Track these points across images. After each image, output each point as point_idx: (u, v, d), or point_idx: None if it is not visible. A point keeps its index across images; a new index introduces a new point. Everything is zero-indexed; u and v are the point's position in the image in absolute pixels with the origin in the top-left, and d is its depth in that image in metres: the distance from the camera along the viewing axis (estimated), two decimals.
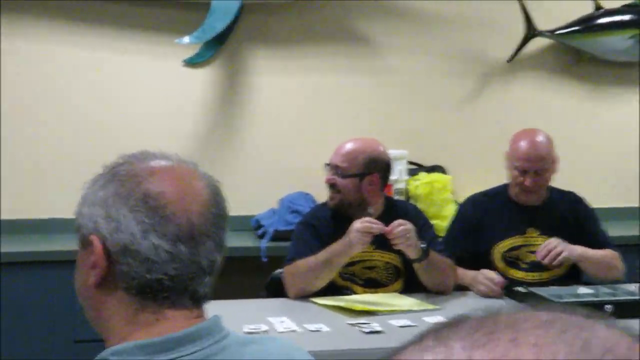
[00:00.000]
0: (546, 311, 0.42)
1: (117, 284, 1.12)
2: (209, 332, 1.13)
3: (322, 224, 3.00)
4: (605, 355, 0.38)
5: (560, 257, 2.96)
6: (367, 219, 2.79)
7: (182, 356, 1.09)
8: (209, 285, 1.15)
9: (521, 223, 3.13)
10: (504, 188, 3.21)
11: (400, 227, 2.77)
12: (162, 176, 1.13)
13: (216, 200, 1.16)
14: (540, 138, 3.11)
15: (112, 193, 1.12)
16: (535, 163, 3.04)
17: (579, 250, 3.02)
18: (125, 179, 1.12)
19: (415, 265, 2.90)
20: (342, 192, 2.97)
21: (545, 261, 2.97)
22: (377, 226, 2.77)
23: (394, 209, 3.03)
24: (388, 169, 3.08)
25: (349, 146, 3.01)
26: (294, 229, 3.17)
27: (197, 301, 1.14)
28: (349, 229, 2.78)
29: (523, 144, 3.08)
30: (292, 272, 2.89)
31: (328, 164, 3.02)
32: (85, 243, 1.13)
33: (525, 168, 3.05)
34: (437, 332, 0.42)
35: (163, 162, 1.17)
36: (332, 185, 3.00)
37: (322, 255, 2.82)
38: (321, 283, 2.86)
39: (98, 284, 1.12)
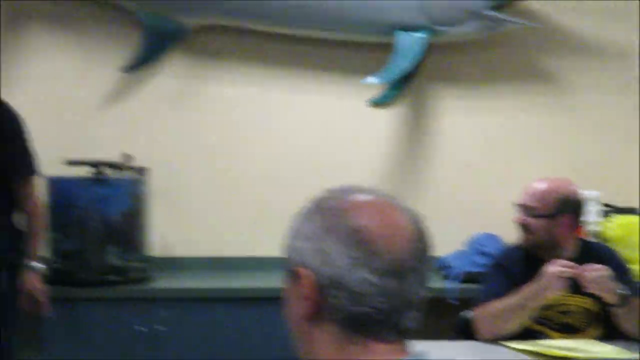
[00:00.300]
0: None
1: (325, 316, 1.13)
2: None
3: (514, 265, 2.94)
4: None
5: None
6: (561, 261, 2.71)
7: None
8: (415, 320, 1.15)
9: None
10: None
11: (594, 272, 2.67)
12: (368, 210, 1.14)
13: (420, 234, 1.16)
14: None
15: (319, 226, 1.14)
16: None
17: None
18: (331, 212, 1.14)
19: (614, 311, 2.77)
20: (533, 233, 2.91)
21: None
22: (570, 270, 2.67)
23: (589, 251, 2.94)
24: (580, 209, 2.99)
25: (540, 186, 2.95)
26: (484, 270, 3.13)
27: (401, 335, 1.15)
28: (542, 271, 2.70)
29: None
30: (483, 315, 2.85)
31: (519, 204, 2.96)
32: (295, 276, 1.16)
33: None
34: None
35: (367, 196, 1.18)
36: (524, 226, 2.94)
37: (515, 298, 2.76)
38: (513, 327, 2.79)
39: (308, 317, 1.15)
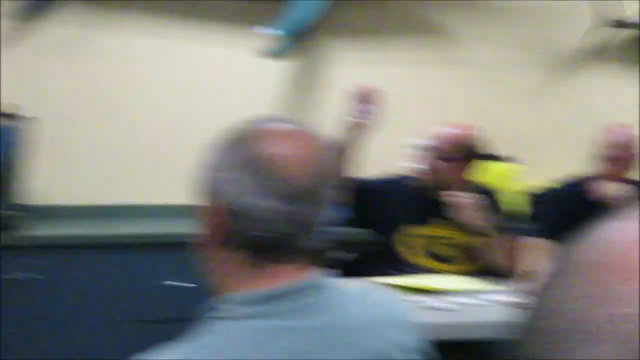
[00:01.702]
0: None
1: (234, 243, 1.17)
2: (317, 284, 1.18)
3: (396, 193, 3.06)
4: None
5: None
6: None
7: (286, 306, 1.14)
8: (322, 240, 1.19)
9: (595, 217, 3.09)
10: (580, 183, 3.20)
11: (463, 199, 2.82)
12: (272, 138, 1.18)
13: (321, 160, 1.19)
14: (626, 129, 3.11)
15: (229, 156, 1.17)
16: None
17: None
18: (240, 143, 1.18)
19: (485, 242, 2.92)
20: (436, 174, 3.04)
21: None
22: None
23: (478, 193, 3.08)
24: (481, 155, 3.14)
25: (449, 131, 3.08)
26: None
27: (305, 256, 1.19)
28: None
29: (615, 134, 3.10)
30: None
31: (428, 146, 3.04)
32: (208, 204, 1.19)
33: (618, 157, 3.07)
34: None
35: (274, 125, 1.21)
36: (428, 168, 3.05)
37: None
38: None
39: (219, 243, 1.18)
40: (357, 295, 1.25)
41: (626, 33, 4.25)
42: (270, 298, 1.14)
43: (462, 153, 3.04)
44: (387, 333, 1.22)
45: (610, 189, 2.97)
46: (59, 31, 3.87)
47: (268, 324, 1.12)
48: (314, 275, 1.19)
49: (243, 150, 1.16)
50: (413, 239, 3.04)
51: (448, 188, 3.02)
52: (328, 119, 4.06)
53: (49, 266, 3.32)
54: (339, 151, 2.94)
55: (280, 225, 1.15)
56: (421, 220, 3.07)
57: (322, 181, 1.18)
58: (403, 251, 3.04)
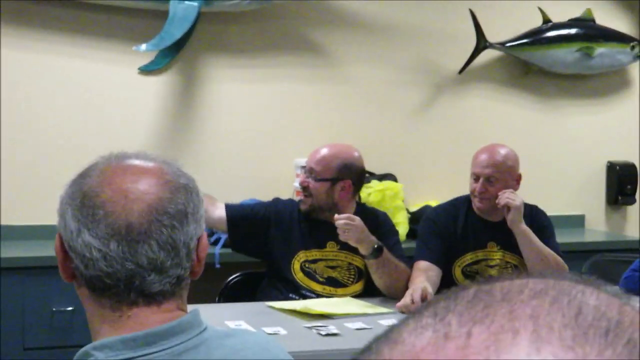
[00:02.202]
0: (538, 278, 0.42)
1: (80, 281, 1.16)
2: (190, 326, 1.16)
3: (280, 216, 3.07)
4: (599, 320, 0.39)
5: (508, 201, 2.96)
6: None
7: (164, 349, 1.12)
8: (165, 282, 1.15)
9: (483, 236, 3.14)
10: (467, 199, 3.20)
11: (343, 220, 2.85)
12: (104, 175, 1.15)
13: (166, 198, 1.15)
14: (499, 149, 3.12)
15: (65, 191, 1.17)
16: (486, 168, 3.05)
17: (524, 226, 3.01)
18: (75, 179, 1.18)
19: (368, 263, 2.96)
20: (313, 195, 3.03)
21: (498, 201, 2.99)
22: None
23: (365, 215, 3.09)
24: (362, 175, 3.17)
25: (324, 151, 3.08)
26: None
27: (154, 298, 1.15)
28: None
29: (481, 153, 3.11)
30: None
31: (303, 167, 3.08)
32: (57, 238, 1.19)
33: (477, 173, 3.07)
34: (435, 307, 0.42)
35: (115, 162, 1.19)
36: (305, 188, 3.06)
37: None
38: None
39: (66, 278, 1.18)
40: (234, 335, 1.24)
41: (498, 55, 4.43)
42: (152, 340, 1.12)
43: (334, 173, 3.04)
44: None
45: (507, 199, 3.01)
46: None
47: None
48: (190, 314, 1.18)
49: (78, 186, 1.16)
50: (306, 263, 3.05)
51: (332, 209, 3.04)
52: (206, 134, 4.06)
53: None
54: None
55: (101, 265, 1.12)
56: (313, 244, 3.07)
57: (163, 221, 1.14)
58: (296, 276, 3.04)
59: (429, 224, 3.22)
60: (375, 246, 2.90)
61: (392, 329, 0.43)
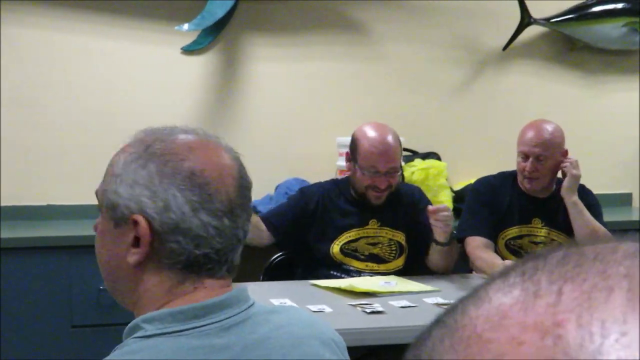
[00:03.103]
0: (630, 242, 0.41)
1: (160, 261, 1.14)
2: (237, 300, 1.17)
3: (318, 195, 3.07)
4: None
5: (570, 168, 3.02)
6: None
7: (211, 323, 1.13)
8: (239, 255, 1.20)
9: (527, 212, 3.13)
10: (514, 175, 3.19)
11: (446, 212, 2.83)
12: (198, 152, 1.15)
13: (242, 172, 1.19)
14: (546, 126, 3.09)
15: (155, 172, 1.13)
16: (535, 148, 3.03)
17: (576, 197, 3.04)
18: (166, 158, 1.14)
19: (436, 248, 2.94)
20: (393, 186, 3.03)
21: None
22: None
23: (401, 191, 3.10)
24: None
25: (390, 140, 3.00)
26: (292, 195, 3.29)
27: (230, 271, 1.19)
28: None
29: (528, 131, 3.08)
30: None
31: (377, 172, 2.96)
32: (122, 222, 1.15)
33: (526, 153, 3.05)
34: (522, 267, 0.41)
35: (192, 137, 1.18)
36: (389, 186, 3.01)
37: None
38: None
39: (139, 263, 1.15)
40: (279, 311, 1.25)
41: (542, 31, 4.36)
42: (200, 314, 1.13)
43: (400, 160, 3.06)
44: (315, 352, 1.21)
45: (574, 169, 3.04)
46: None
47: (195, 341, 1.11)
48: (238, 290, 1.19)
49: (172, 165, 1.13)
50: (346, 245, 3.04)
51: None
52: (248, 113, 4.06)
53: None
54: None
55: (214, 242, 1.14)
56: (354, 224, 3.07)
57: (246, 193, 1.18)
58: (336, 258, 3.03)
59: (475, 194, 3.22)
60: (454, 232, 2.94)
61: (477, 288, 0.42)
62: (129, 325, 1.14)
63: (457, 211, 3.76)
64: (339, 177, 3.26)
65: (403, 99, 4.23)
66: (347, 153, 3.09)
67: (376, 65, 4.20)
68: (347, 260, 3.03)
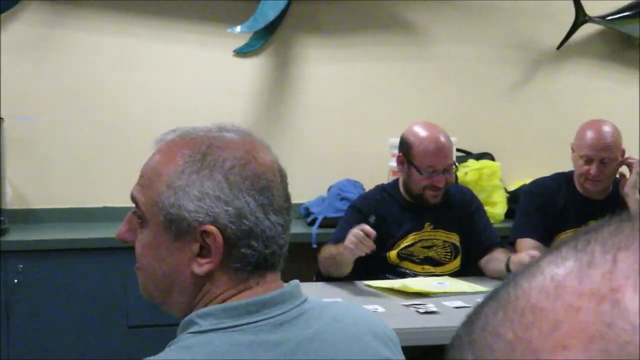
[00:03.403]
0: None
1: (229, 266, 1.14)
2: (290, 296, 1.17)
3: (373, 207, 3.02)
4: None
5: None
6: (364, 227, 2.67)
7: (265, 319, 1.13)
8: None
9: (583, 214, 3.07)
10: (569, 176, 3.15)
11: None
12: (254, 154, 1.15)
13: (282, 169, 1.20)
14: (607, 127, 3.05)
15: (223, 181, 1.12)
16: (601, 151, 3.00)
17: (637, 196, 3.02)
18: (228, 165, 1.13)
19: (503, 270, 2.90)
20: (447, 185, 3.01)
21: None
22: (364, 244, 2.63)
23: (452, 193, 3.07)
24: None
25: (443, 140, 2.97)
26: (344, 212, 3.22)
27: (279, 265, 1.19)
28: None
29: (589, 133, 3.04)
30: (320, 255, 2.95)
31: (435, 171, 2.92)
32: (186, 234, 1.13)
33: (590, 156, 3.01)
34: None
35: (239, 137, 1.18)
36: (445, 185, 2.99)
37: (334, 249, 2.84)
38: (338, 273, 2.88)
39: (208, 272, 1.14)
40: (332, 306, 1.25)
41: (597, 29, 4.28)
42: (254, 309, 1.13)
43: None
44: (370, 346, 1.20)
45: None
46: (27, 30, 3.80)
47: (250, 336, 1.10)
48: (291, 285, 1.19)
49: (234, 172, 1.13)
50: (402, 250, 3.01)
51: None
52: (300, 114, 4.06)
53: (28, 270, 3.29)
54: None
55: (280, 239, 1.15)
56: (410, 229, 3.02)
57: (287, 184, 1.20)
58: (392, 262, 3.00)
59: (529, 196, 3.18)
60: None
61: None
62: (184, 320, 1.15)
63: (511, 213, 3.72)
64: (386, 183, 3.20)
65: (456, 99, 4.20)
66: (398, 156, 3.05)
67: (429, 66, 4.18)
68: (403, 263, 3.00)
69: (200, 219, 1.12)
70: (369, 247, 2.63)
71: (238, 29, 3.83)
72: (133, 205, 1.22)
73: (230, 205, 1.11)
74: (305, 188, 3.85)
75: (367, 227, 2.65)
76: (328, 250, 2.90)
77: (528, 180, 3.54)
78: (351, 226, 2.94)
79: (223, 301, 1.14)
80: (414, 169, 2.95)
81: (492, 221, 3.35)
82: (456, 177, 3.89)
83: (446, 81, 4.19)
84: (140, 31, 3.91)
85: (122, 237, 1.23)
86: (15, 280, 3.27)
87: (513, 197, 3.85)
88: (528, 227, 3.05)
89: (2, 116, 3.58)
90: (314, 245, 3.51)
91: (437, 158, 2.93)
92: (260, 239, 1.13)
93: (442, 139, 2.97)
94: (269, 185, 1.14)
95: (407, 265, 3.00)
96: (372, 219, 2.83)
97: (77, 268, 3.35)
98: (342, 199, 3.69)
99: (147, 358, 1.07)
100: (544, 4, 4.21)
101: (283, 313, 1.14)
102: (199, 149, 1.15)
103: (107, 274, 3.35)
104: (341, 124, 4.10)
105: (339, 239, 2.94)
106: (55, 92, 3.83)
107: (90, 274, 3.36)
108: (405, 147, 3.00)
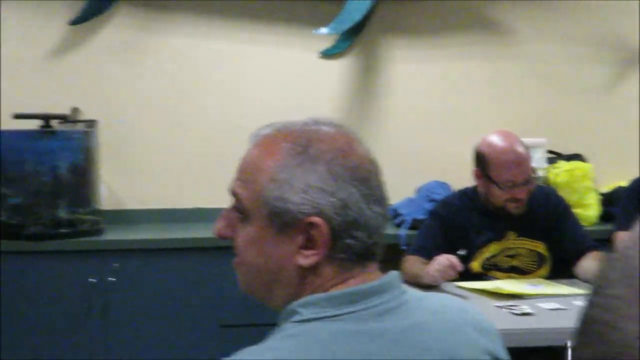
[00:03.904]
0: None
1: (333, 256, 1.14)
2: (391, 286, 1.16)
3: (454, 214, 2.98)
4: None
5: None
6: (450, 258, 2.65)
7: (367, 308, 1.12)
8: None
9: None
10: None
11: None
12: (352, 145, 1.17)
13: (376, 160, 1.21)
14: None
15: (326, 172, 1.13)
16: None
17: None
18: (330, 156, 1.14)
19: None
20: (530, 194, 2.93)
21: None
22: (449, 272, 2.63)
23: (536, 196, 2.99)
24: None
25: (522, 151, 2.89)
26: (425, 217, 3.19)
27: (379, 256, 1.20)
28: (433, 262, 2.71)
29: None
30: (404, 267, 2.89)
31: (520, 182, 2.86)
32: (289, 226, 1.14)
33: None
34: None
35: (335, 130, 1.19)
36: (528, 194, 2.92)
37: (415, 269, 2.80)
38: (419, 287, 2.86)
39: (313, 264, 1.14)
40: (430, 297, 1.24)
41: None
42: (356, 299, 1.12)
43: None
44: (471, 338, 1.19)
45: None
46: (116, 34, 3.90)
47: (352, 326, 1.10)
48: (392, 275, 1.18)
49: (336, 163, 1.14)
50: (485, 261, 2.97)
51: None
52: (387, 115, 4.05)
53: (125, 269, 3.36)
54: None
55: (381, 229, 1.16)
56: (492, 238, 2.97)
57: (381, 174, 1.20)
58: (481, 270, 2.96)
59: (628, 192, 3.11)
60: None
61: None
62: (286, 309, 1.15)
63: (606, 214, 3.64)
64: (467, 187, 3.13)
65: (545, 99, 4.12)
66: (475, 171, 2.98)
67: (516, 66, 4.12)
68: (490, 273, 2.96)
69: (306, 211, 1.12)
70: (453, 276, 2.61)
71: (324, 30, 3.83)
72: (223, 205, 1.24)
73: (334, 196, 1.12)
74: (393, 189, 3.79)
75: (454, 260, 2.62)
76: (411, 267, 2.85)
77: (623, 182, 3.46)
78: (433, 235, 2.92)
79: (326, 291, 1.15)
80: (493, 184, 2.87)
81: (584, 224, 3.28)
82: (547, 178, 3.83)
83: (533, 81, 4.12)
84: (228, 34, 3.97)
85: (221, 234, 1.23)
86: (112, 279, 3.35)
87: (607, 199, 3.76)
88: (628, 222, 2.97)
89: (97, 119, 3.68)
90: (404, 247, 3.49)
91: (516, 171, 2.84)
92: (364, 229, 1.13)
93: (520, 149, 2.86)
94: (369, 175, 1.15)
95: (495, 274, 2.95)
96: (463, 251, 2.79)
97: (171, 267, 3.41)
98: (431, 200, 3.66)
99: (252, 346, 1.08)
100: (635, 2, 4.10)
101: (384, 303, 1.14)
102: (298, 141, 1.16)
103: (200, 274, 3.40)
104: (427, 124, 4.07)
105: (422, 247, 2.93)
106: (147, 94, 3.92)
107: (183, 273, 3.42)
108: (482, 162, 2.91)
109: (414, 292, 1.21)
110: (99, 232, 3.51)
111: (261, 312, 3.29)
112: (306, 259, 1.14)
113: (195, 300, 3.41)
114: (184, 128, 3.95)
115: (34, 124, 3.47)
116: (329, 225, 1.12)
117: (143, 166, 3.92)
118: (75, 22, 3.83)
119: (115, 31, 3.90)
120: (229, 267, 3.45)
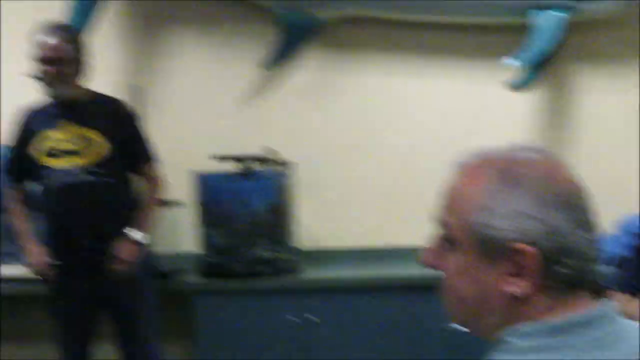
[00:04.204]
0: None
1: (544, 284, 1.12)
2: (608, 316, 1.12)
3: None
4: None
5: None
6: None
7: (584, 339, 1.09)
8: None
9: None
10: None
11: None
12: (562, 171, 1.15)
13: (583, 185, 1.17)
14: None
15: (534, 198, 1.12)
16: None
17: None
18: (536, 182, 1.13)
19: None
20: None
21: None
22: None
23: None
24: None
25: None
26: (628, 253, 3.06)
27: (593, 284, 1.15)
28: None
29: None
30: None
31: None
32: (497, 254, 1.13)
33: None
34: None
35: (539, 156, 1.17)
36: None
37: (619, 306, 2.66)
38: None
39: (527, 294, 1.12)
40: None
41: None
42: (565, 329, 1.09)
43: None
44: None
45: None
46: (309, 76, 4.00)
47: (570, 357, 1.06)
48: (603, 305, 1.13)
49: (542, 188, 1.11)
50: None
51: None
52: (580, 148, 3.93)
53: (325, 309, 3.42)
54: None
55: (593, 256, 1.11)
56: None
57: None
58: None
59: None
60: None
61: None
62: (495, 339, 1.13)
63: None
64: None
65: None
66: None
67: None
68: None
69: (514, 238, 1.11)
70: None
71: (515, 61, 3.75)
72: (417, 242, 1.24)
73: (543, 222, 1.10)
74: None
75: None
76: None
77: None
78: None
79: (536, 320, 1.11)
80: None
81: None
82: None
83: None
84: (412, 70, 3.99)
85: (431, 263, 1.22)
86: (314, 318, 3.40)
87: None
88: None
89: (291, 159, 3.79)
90: (606, 286, 3.36)
91: None
92: (574, 256, 1.10)
93: None
94: (577, 201, 1.11)
95: None
96: None
97: (370, 306, 3.44)
98: (635, 235, 3.50)
99: None
100: None
101: (602, 335, 1.10)
102: (504, 167, 1.14)
103: (399, 313, 3.41)
104: (625, 154, 3.92)
105: (628, 285, 2.81)
106: (339, 134, 4.00)
107: (381, 312, 3.43)
108: None
109: (629, 323, 1.16)
110: (297, 270, 3.59)
111: (469, 351, 3.27)
112: (514, 286, 1.12)
113: (394, 339, 3.41)
114: (376, 166, 3.99)
115: (230, 165, 3.61)
116: (539, 252, 1.10)
117: (337, 206, 3.99)
118: (267, 65, 3.96)
119: (305, 73, 4.00)
120: (431, 306, 3.44)
